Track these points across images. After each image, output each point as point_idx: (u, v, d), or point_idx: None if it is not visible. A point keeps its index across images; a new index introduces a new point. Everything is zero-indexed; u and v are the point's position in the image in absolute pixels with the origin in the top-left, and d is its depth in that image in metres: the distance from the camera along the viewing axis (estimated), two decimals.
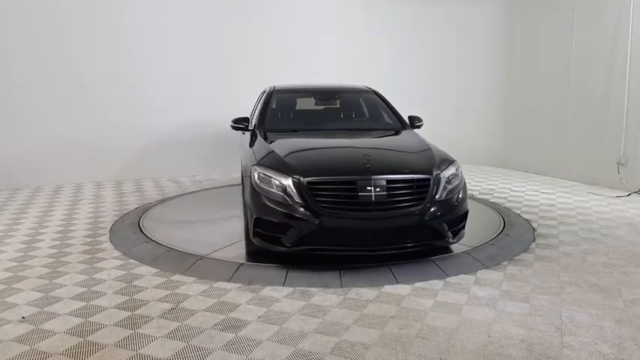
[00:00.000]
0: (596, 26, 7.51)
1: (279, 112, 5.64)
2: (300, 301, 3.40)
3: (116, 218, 5.55)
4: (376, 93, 5.94)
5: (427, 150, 4.50)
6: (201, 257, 4.17)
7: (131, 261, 4.21)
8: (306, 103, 5.98)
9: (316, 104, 5.93)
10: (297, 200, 3.80)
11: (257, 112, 5.47)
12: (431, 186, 3.97)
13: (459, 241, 4.24)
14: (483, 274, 3.90)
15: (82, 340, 2.88)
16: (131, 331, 2.98)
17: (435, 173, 4.06)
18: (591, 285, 3.68)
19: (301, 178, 3.85)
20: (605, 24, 7.33)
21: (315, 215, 3.75)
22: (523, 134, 9.01)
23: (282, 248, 3.88)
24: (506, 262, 4.15)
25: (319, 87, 6.22)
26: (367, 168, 3.94)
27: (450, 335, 2.93)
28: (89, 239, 4.83)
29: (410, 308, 3.29)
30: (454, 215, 4.07)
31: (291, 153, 4.28)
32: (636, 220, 5.47)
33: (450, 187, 4.10)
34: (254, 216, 3.94)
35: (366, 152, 4.24)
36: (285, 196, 3.83)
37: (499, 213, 5.61)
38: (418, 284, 3.68)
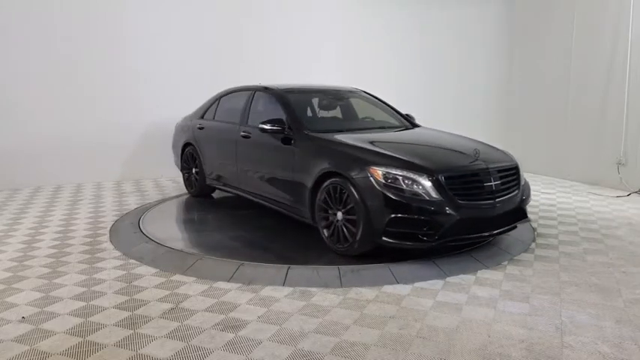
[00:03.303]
0: (595, 26, 7.51)
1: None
2: (300, 301, 3.40)
3: (116, 218, 5.55)
4: (368, 93, 6.03)
5: (482, 143, 4.90)
6: (201, 257, 4.17)
7: (131, 261, 4.22)
8: (312, 104, 5.76)
9: (326, 105, 5.78)
10: (435, 196, 3.90)
11: (286, 114, 4.99)
12: (519, 172, 4.53)
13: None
14: (483, 274, 3.90)
15: (82, 340, 2.88)
16: (131, 331, 2.98)
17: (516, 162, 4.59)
18: (591, 285, 3.68)
19: (435, 174, 3.97)
20: (605, 24, 7.34)
21: (455, 208, 3.92)
22: (523, 134, 9.01)
23: (421, 244, 3.93)
24: (506, 262, 4.16)
25: (321, 87, 6.09)
26: (481, 160, 4.31)
27: (450, 335, 2.93)
28: (89, 239, 4.83)
29: (410, 308, 3.29)
30: (530, 198, 4.66)
31: (400, 151, 4.34)
32: (636, 220, 5.47)
33: (520, 173, 4.59)
34: (387, 216, 3.90)
35: (474, 147, 4.59)
36: (422, 194, 3.90)
37: None
38: (418, 284, 3.68)
